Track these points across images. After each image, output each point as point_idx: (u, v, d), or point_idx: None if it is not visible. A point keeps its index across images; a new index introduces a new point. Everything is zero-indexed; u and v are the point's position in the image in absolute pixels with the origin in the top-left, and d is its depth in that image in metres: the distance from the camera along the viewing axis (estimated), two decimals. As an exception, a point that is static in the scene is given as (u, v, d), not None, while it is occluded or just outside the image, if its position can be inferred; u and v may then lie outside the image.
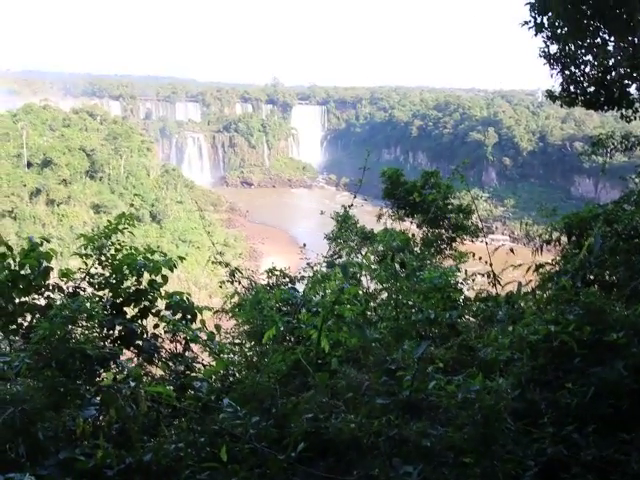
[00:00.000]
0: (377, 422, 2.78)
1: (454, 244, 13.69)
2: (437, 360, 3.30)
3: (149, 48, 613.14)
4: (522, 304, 4.86)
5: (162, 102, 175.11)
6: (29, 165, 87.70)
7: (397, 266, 4.45)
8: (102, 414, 3.05)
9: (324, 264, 6.94)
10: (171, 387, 3.59)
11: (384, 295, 6.69)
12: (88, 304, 3.83)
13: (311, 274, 7.23)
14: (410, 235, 11.60)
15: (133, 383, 2.89)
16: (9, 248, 4.92)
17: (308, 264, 7.26)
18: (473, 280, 6.18)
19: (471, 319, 5.13)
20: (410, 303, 4.89)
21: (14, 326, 4.87)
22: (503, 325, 4.12)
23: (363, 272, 6.88)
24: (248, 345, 5.80)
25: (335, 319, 4.27)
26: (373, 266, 4.83)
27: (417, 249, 11.80)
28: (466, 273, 6.35)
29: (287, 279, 7.10)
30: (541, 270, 6.31)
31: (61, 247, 65.03)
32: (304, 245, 7.17)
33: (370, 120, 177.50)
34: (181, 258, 5.22)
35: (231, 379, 4.47)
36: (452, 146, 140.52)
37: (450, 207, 13.66)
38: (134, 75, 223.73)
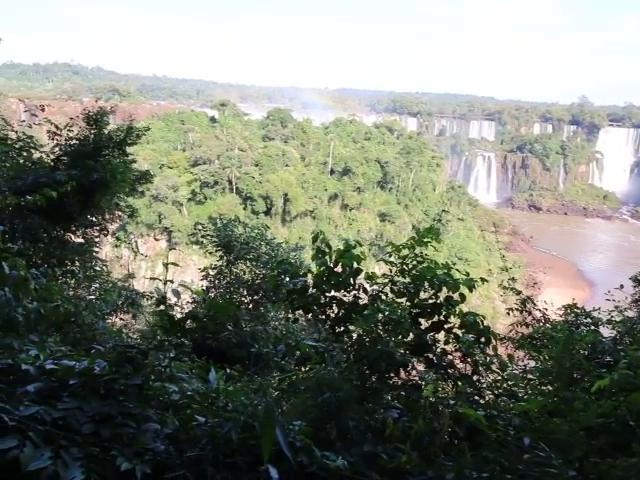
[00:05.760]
0: None
1: None
2: None
3: (450, 67, 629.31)
4: None
5: (457, 119, 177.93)
6: (332, 172, 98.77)
7: None
8: (402, 419, 3.18)
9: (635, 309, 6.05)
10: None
11: None
12: (399, 311, 4.04)
13: (618, 318, 6.39)
14: None
15: (452, 401, 2.93)
16: (329, 247, 5.53)
17: (616, 307, 6.43)
18: None
19: None
20: None
21: (323, 316, 5.47)
22: None
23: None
24: (534, 380, 5.39)
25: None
26: None
27: None
28: None
29: (589, 319, 6.40)
30: None
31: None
32: (621, 286, 6.32)
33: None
34: (483, 280, 5.12)
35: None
36: None
37: None
38: (434, 93, 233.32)
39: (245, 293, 12.59)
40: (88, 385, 2.97)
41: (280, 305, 5.70)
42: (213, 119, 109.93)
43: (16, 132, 12.13)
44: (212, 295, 12.23)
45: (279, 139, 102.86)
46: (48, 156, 12.32)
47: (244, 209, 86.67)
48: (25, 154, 11.88)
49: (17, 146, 11.75)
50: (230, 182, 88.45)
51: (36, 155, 12.19)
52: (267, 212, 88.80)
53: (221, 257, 12.82)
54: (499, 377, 4.52)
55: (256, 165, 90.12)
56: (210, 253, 13.54)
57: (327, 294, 5.47)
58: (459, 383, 4.37)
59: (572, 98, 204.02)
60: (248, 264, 12.73)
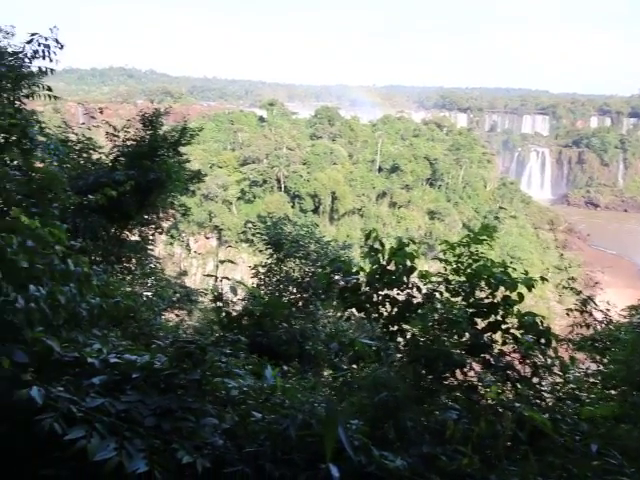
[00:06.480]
0: None
1: None
2: None
3: (502, 60, 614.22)
4: None
5: (509, 114, 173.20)
6: (380, 170, 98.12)
7: None
8: (462, 420, 3.10)
9: None
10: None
11: None
12: (456, 311, 3.96)
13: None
14: None
15: (518, 404, 2.84)
16: (382, 245, 5.47)
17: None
18: None
19: None
20: None
21: (376, 315, 5.41)
22: None
23: None
24: (598, 383, 5.17)
25: None
26: None
27: None
28: None
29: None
30: None
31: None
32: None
33: None
34: (543, 279, 4.95)
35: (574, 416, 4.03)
36: None
37: None
38: (485, 87, 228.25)
39: (294, 291, 12.68)
40: (149, 379, 3.05)
41: (330, 303, 5.69)
42: (262, 119, 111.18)
43: (76, 134, 12.63)
44: (262, 292, 12.36)
45: (327, 137, 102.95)
46: (107, 157, 12.77)
47: (292, 207, 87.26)
48: (85, 155, 12.35)
49: (77, 147, 12.23)
50: (278, 181, 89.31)
51: (95, 156, 12.65)
52: (315, 210, 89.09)
53: (271, 255, 12.95)
54: (560, 380, 4.35)
55: (304, 164, 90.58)
56: (260, 251, 13.71)
57: (380, 292, 5.41)
58: (518, 385, 4.23)
59: (631, 90, 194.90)
60: (297, 262, 12.81)
